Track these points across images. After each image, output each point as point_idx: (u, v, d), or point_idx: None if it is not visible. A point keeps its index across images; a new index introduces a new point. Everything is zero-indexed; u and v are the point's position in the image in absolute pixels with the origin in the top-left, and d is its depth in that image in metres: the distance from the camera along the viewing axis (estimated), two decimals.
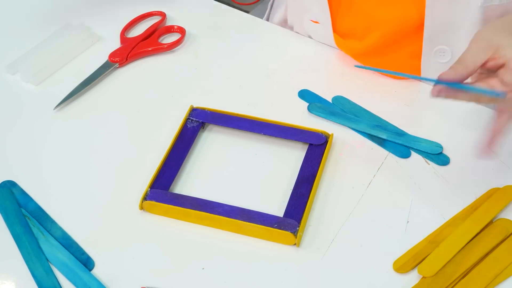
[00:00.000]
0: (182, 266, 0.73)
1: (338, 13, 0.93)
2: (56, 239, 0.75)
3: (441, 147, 0.82)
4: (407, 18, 0.87)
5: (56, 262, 0.73)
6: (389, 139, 0.84)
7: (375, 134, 0.84)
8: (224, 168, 0.82)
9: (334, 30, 0.94)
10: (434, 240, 0.73)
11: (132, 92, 0.93)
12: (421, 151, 0.83)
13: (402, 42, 0.88)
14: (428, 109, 0.88)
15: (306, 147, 0.83)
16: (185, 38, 0.99)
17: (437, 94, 0.69)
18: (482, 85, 0.69)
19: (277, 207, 0.73)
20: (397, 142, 0.83)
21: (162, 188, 0.78)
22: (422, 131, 0.84)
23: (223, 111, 0.87)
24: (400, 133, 0.84)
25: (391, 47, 0.89)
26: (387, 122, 0.86)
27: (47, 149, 0.85)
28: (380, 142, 0.84)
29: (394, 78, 0.89)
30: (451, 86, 0.68)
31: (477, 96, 0.69)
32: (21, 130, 0.88)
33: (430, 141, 0.83)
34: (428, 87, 0.90)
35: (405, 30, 0.87)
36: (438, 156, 0.82)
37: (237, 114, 0.86)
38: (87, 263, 0.73)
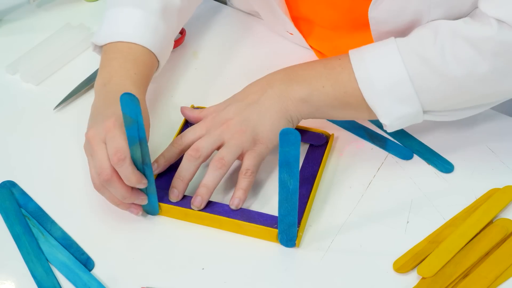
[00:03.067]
0: (182, 266, 0.73)
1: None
2: (56, 239, 0.75)
3: (452, 167, 0.80)
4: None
5: (56, 262, 0.73)
6: (390, 140, 0.83)
7: (375, 135, 0.84)
8: None
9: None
10: (434, 240, 0.73)
11: None
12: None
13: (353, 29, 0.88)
14: None
15: (306, 147, 0.83)
16: (185, 38, 0.99)
17: None
18: None
19: (277, 207, 0.73)
20: (400, 145, 0.83)
21: (162, 188, 0.78)
22: (421, 131, 0.84)
23: None
24: (404, 135, 0.84)
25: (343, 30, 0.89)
26: None
27: (47, 149, 0.85)
28: (382, 144, 0.83)
29: None
30: None
31: None
32: (21, 130, 0.88)
33: (442, 158, 0.81)
34: None
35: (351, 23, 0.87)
36: (442, 164, 0.81)
37: None
38: (87, 263, 0.73)
